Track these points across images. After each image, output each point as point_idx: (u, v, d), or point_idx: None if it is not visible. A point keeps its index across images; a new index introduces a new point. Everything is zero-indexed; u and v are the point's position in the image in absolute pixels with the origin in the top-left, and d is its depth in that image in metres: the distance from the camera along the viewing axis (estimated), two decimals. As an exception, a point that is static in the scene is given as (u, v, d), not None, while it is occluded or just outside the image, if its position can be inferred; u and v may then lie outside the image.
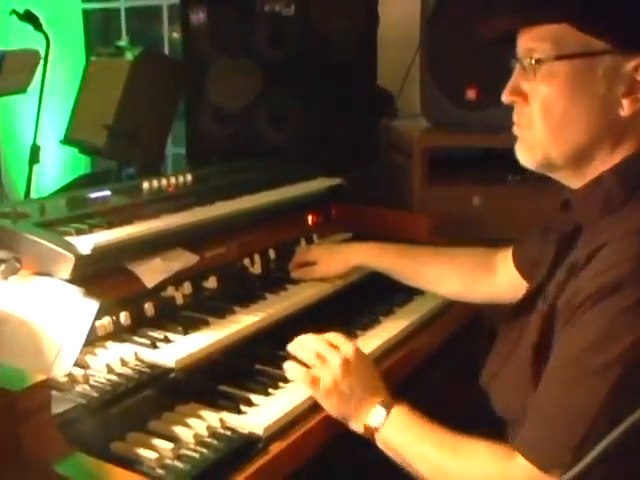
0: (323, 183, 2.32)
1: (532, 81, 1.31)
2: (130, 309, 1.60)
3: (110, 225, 1.68)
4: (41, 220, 1.68)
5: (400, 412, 1.41)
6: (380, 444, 1.42)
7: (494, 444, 1.29)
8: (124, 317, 1.59)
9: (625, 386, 1.13)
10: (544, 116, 1.30)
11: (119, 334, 1.56)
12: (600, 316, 1.17)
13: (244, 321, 1.67)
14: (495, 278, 1.82)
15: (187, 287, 1.75)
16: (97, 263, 1.59)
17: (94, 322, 1.49)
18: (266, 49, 2.77)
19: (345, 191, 2.38)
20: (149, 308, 1.64)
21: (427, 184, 2.43)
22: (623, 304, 1.15)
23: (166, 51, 4.23)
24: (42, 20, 3.29)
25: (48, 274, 1.57)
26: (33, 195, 3.45)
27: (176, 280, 1.73)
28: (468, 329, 2.15)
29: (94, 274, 1.58)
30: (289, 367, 1.52)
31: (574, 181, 1.36)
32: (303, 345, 1.55)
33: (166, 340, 1.55)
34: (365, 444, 1.44)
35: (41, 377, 1.18)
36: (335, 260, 1.98)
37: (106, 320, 1.56)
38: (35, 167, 3.36)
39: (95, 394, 1.35)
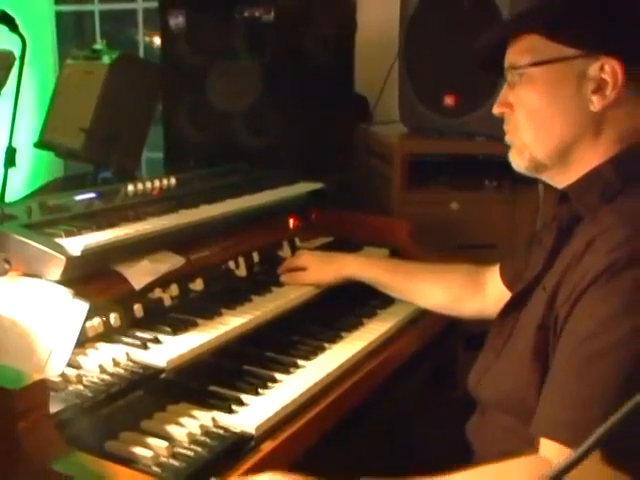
0: (304, 187, 2.36)
1: (516, 90, 1.44)
2: (119, 310, 1.62)
3: (98, 227, 1.70)
4: (29, 222, 1.69)
5: None
6: None
7: (518, 460, 1.25)
8: (114, 318, 1.61)
9: None
10: (527, 119, 1.43)
11: (110, 335, 1.58)
12: (614, 291, 1.21)
13: (231, 322, 1.70)
14: (484, 294, 1.87)
15: (174, 289, 1.77)
16: (86, 265, 1.61)
17: (85, 323, 1.51)
18: (245, 54, 2.79)
19: (325, 196, 2.41)
20: (138, 309, 1.66)
21: (406, 189, 2.48)
22: (630, 283, 1.19)
23: (141, 55, 4.23)
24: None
25: (37, 275, 1.58)
26: (7, 199, 3.42)
27: (163, 282, 1.75)
28: (447, 332, 2.20)
29: (83, 276, 1.60)
30: None
31: (561, 180, 1.45)
32: None
33: (156, 341, 1.58)
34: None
35: (39, 376, 1.20)
36: (326, 269, 2.03)
37: (96, 321, 1.57)
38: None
39: (90, 394, 1.36)
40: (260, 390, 1.53)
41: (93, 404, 1.35)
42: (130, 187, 2.00)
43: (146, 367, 1.49)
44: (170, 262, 1.79)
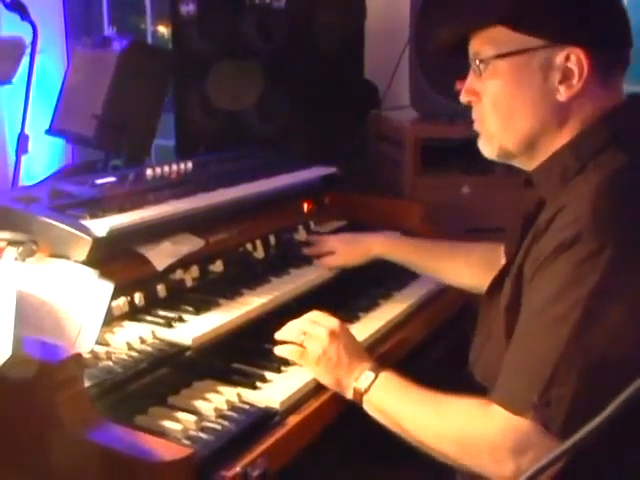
0: (318, 172, 2.39)
1: (481, 80, 1.45)
2: (143, 290, 1.67)
3: (121, 210, 1.74)
4: (54, 204, 1.73)
5: (387, 376, 1.50)
6: (367, 406, 1.50)
7: (473, 399, 1.37)
8: (138, 298, 1.65)
9: (585, 331, 1.24)
10: (493, 110, 1.44)
11: (135, 314, 1.63)
12: (560, 268, 1.28)
13: (252, 302, 1.75)
14: None
15: (195, 270, 1.82)
16: (111, 246, 1.65)
17: (110, 302, 1.55)
18: (255, 41, 2.82)
19: (338, 181, 2.45)
20: (161, 290, 1.71)
21: (418, 173, 2.52)
22: (581, 254, 1.25)
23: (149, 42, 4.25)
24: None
25: (63, 256, 1.62)
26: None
27: (184, 264, 1.80)
28: (460, 314, 2.24)
29: (107, 257, 1.64)
30: (279, 349, 1.61)
31: (531, 165, 1.49)
32: (289, 328, 1.64)
33: (180, 320, 1.62)
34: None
35: (75, 350, 1.24)
36: (354, 250, 2.08)
37: (121, 301, 1.62)
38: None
39: (119, 369, 1.41)
40: (283, 368, 1.58)
41: (123, 379, 1.40)
42: (149, 171, 2.04)
43: (172, 345, 1.54)
44: (190, 244, 1.84)
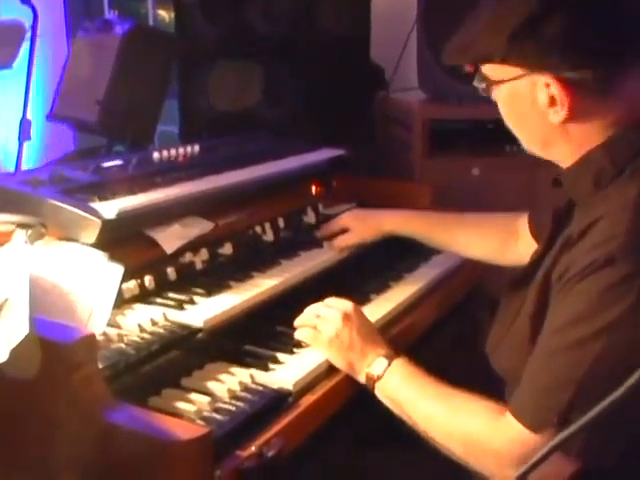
0: (326, 154, 2.40)
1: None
2: (153, 273, 1.68)
3: (130, 192, 1.75)
4: (62, 187, 1.74)
5: (401, 363, 1.52)
6: (379, 393, 1.52)
7: (488, 401, 1.39)
8: (148, 281, 1.67)
9: (609, 358, 1.23)
10: (507, 122, 1.48)
11: (145, 297, 1.65)
12: (590, 289, 1.26)
13: (263, 285, 1.76)
14: (519, 242, 1.91)
15: (204, 253, 1.83)
16: (120, 228, 1.66)
17: (121, 285, 1.56)
18: (260, 24, 2.82)
19: (346, 163, 2.46)
20: (171, 272, 1.72)
21: (427, 155, 2.53)
22: (613, 277, 1.23)
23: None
24: (28, -8, 3.30)
25: (73, 239, 1.63)
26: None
27: (193, 246, 1.81)
28: (471, 297, 2.26)
29: (117, 239, 1.65)
30: (296, 333, 1.64)
31: (561, 163, 1.46)
32: (305, 312, 1.66)
33: (191, 302, 1.64)
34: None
35: (89, 332, 1.26)
36: (367, 226, 2.09)
37: (132, 283, 1.63)
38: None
39: (132, 351, 1.42)
40: (295, 349, 1.60)
41: (136, 361, 1.42)
42: (156, 154, 2.05)
43: (183, 327, 1.55)
44: (200, 227, 1.85)
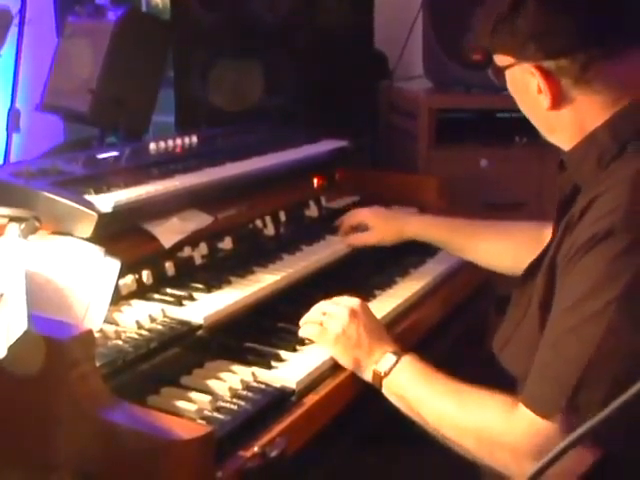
0: (328, 145, 2.42)
1: None
2: (151, 268, 1.70)
3: (127, 184, 1.76)
4: (56, 179, 1.75)
5: (409, 360, 1.53)
6: (386, 390, 1.53)
7: (500, 394, 1.40)
8: (146, 276, 1.68)
9: (618, 332, 1.24)
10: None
11: (143, 292, 1.66)
12: (592, 263, 1.28)
13: (265, 280, 1.77)
14: None
15: (203, 247, 1.85)
16: (117, 222, 1.68)
17: (118, 281, 1.58)
18: (258, 10, 2.83)
19: (349, 155, 2.47)
20: (169, 267, 1.74)
21: (433, 146, 2.54)
22: (614, 249, 1.26)
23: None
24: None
25: (67, 233, 1.64)
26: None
27: (192, 241, 1.82)
28: (477, 294, 2.27)
29: (113, 233, 1.67)
30: (301, 330, 1.65)
31: (565, 145, 1.50)
32: (311, 310, 1.68)
33: (191, 298, 1.65)
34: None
35: (86, 328, 1.27)
36: (389, 228, 2.10)
37: (129, 279, 1.65)
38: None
39: (130, 349, 1.44)
40: (298, 347, 1.61)
41: (134, 359, 1.43)
42: (152, 145, 2.06)
43: (183, 323, 1.56)
44: (198, 220, 1.86)
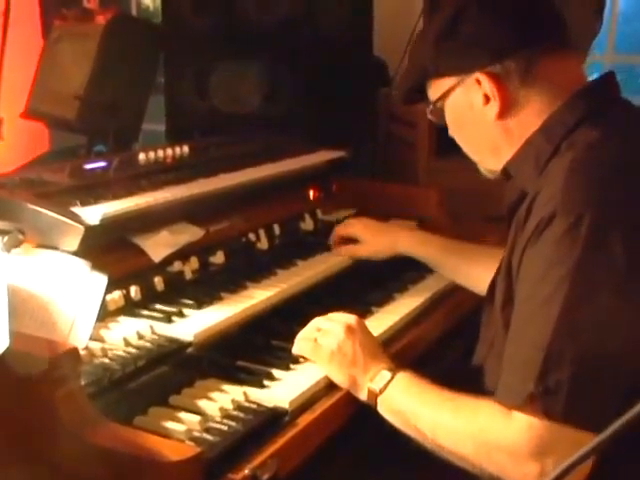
0: (324, 156, 2.44)
1: None
2: (139, 283, 1.72)
3: (115, 196, 1.78)
4: (41, 190, 1.77)
5: (404, 376, 1.55)
6: (382, 407, 1.54)
7: (494, 400, 1.41)
8: (134, 291, 1.70)
9: (574, 308, 1.31)
10: (460, 143, 1.72)
11: (131, 308, 1.68)
12: (541, 249, 1.38)
13: (258, 296, 1.79)
14: None
15: (194, 262, 1.87)
16: (104, 235, 1.70)
17: (105, 296, 1.60)
18: (253, 14, 2.85)
19: (346, 165, 2.49)
20: (159, 282, 1.76)
21: (433, 156, 2.56)
22: (559, 230, 1.35)
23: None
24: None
25: (53, 246, 1.66)
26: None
27: (183, 255, 1.85)
28: (478, 311, 2.28)
29: (100, 247, 1.68)
30: (294, 347, 1.67)
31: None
32: (307, 327, 1.70)
33: (180, 314, 1.67)
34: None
35: (71, 345, 1.29)
36: (381, 242, 2.14)
37: (116, 294, 1.67)
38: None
39: (117, 367, 1.45)
40: (291, 365, 1.63)
41: (121, 377, 1.45)
42: (142, 155, 2.09)
43: (172, 341, 1.58)
44: (189, 234, 1.88)
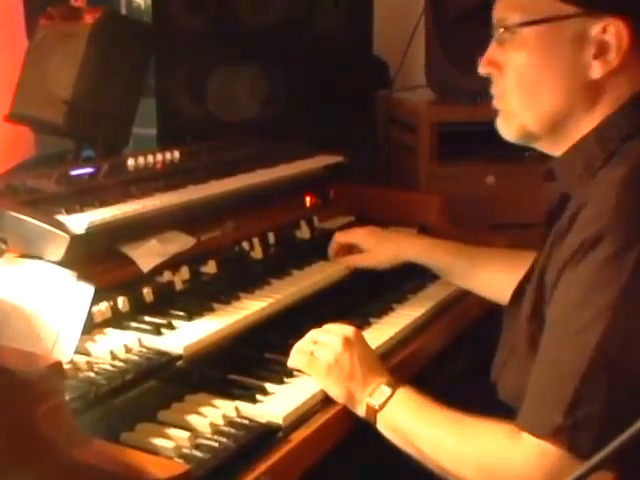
0: (322, 161, 2.45)
1: (505, 51, 1.51)
2: (127, 294, 1.72)
3: (102, 204, 1.79)
4: (25, 198, 1.78)
5: (405, 392, 1.56)
6: (381, 424, 1.55)
7: (500, 423, 1.42)
8: (122, 302, 1.71)
9: (613, 341, 1.29)
10: (516, 85, 1.50)
11: (118, 320, 1.68)
12: (583, 272, 1.33)
13: (251, 307, 1.80)
14: None
15: (185, 272, 1.87)
16: (91, 244, 1.71)
17: (91, 308, 1.60)
18: (247, 13, 2.86)
19: (344, 171, 2.50)
20: (147, 293, 1.76)
21: (435, 162, 2.57)
22: (604, 255, 1.31)
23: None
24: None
25: (37, 256, 1.67)
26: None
27: (173, 264, 1.85)
28: (482, 321, 2.29)
29: (86, 257, 1.69)
30: (289, 360, 1.68)
31: (556, 149, 1.54)
32: (303, 339, 1.70)
33: (170, 326, 1.68)
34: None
35: (55, 359, 1.30)
36: (385, 251, 2.12)
37: (103, 306, 1.67)
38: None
39: (103, 381, 1.46)
40: (285, 379, 1.64)
41: (107, 392, 1.45)
42: (130, 161, 2.10)
43: (161, 354, 1.59)
44: (179, 242, 1.89)
